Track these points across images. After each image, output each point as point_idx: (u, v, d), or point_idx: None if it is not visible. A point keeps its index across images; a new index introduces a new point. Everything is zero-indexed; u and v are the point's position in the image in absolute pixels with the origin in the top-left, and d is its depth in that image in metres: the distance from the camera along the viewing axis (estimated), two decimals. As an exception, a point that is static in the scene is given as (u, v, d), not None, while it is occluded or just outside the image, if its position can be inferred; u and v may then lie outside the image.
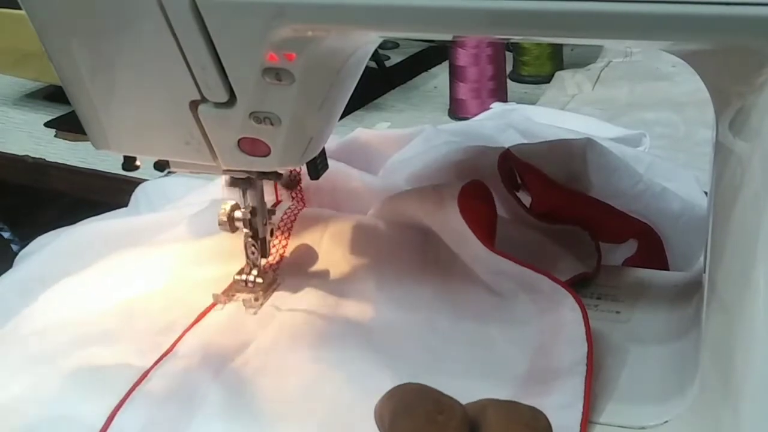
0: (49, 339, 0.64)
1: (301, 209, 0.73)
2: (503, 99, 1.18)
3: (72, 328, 0.64)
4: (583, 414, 0.55)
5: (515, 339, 0.62)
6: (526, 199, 0.72)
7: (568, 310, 0.61)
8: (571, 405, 0.55)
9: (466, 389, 0.57)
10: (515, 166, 0.72)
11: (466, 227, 0.65)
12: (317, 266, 0.71)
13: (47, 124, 1.25)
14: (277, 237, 0.72)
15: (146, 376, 0.60)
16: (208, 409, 0.57)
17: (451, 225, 0.66)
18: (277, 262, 0.72)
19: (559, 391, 0.56)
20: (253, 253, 0.68)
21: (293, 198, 0.76)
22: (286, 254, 0.72)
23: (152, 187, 0.90)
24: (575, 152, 0.73)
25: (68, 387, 0.59)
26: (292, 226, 0.73)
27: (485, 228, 0.67)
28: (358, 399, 0.56)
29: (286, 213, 0.73)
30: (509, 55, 1.27)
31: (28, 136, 1.24)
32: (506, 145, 0.74)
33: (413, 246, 0.70)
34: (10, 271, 0.77)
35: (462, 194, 0.66)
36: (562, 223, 0.71)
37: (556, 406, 0.55)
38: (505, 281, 0.66)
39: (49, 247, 0.77)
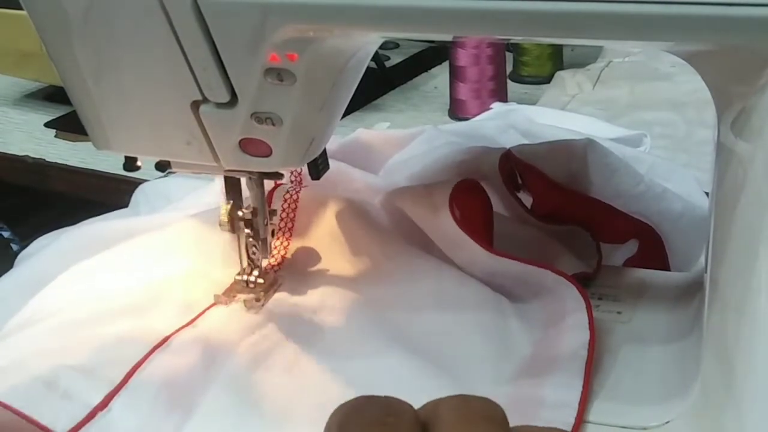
0: (68, 315, 0.65)
1: (299, 191, 0.73)
2: (503, 99, 1.18)
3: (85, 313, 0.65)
4: (582, 393, 0.56)
5: (519, 329, 0.63)
6: (527, 199, 0.72)
7: (570, 301, 0.62)
8: (571, 384, 0.57)
9: (469, 374, 0.59)
10: (516, 167, 0.72)
11: (461, 233, 0.65)
12: (319, 266, 0.72)
13: (47, 125, 1.25)
14: (278, 238, 0.73)
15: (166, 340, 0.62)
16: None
17: (446, 231, 0.67)
18: (279, 263, 0.72)
19: (561, 371, 0.58)
20: (254, 253, 0.68)
21: (292, 180, 0.76)
22: (288, 255, 0.72)
23: (152, 188, 0.90)
24: (576, 153, 0.73)
25: (91, 346, 0.61)
26: (293, 224, 0.73)
27: (481, 228, 0.67)
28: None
29: (285, 199, 0.73)
30: (509, 56, 1.27)
31: (28, 136, 1.24)
32: (507, 146, 0.74)
33: (416, 242, 0.70)
34: (10, 272, 0.77)
35: (453, 197, 0.66)
36: (563, 223, 0.71)
37: (556, 384, 0.56)
38: (506, 280, 0.66)
39: (50, 248, 0.77)
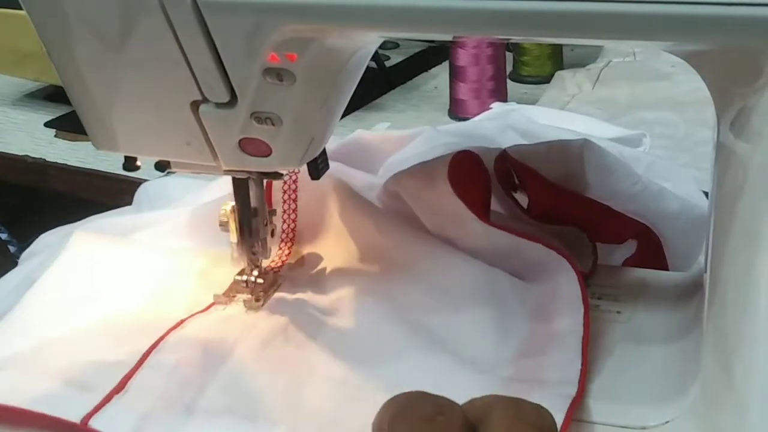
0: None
1: (297, 174, 0.73)
2: (503, 99, 1.18)
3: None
4: (581, 369, 0.57)
5: (516, 306, 0.65)
6: (524, 200, 0.72)
7: (563, 275, 0.64)
8: (571, 361, 0.58)
9: (469, 357, 0.60)
10: (512, 167, 0.72)
11: (459, 202, 0.66)
12: (319, 267, 0.72)
13: (47, 124, 1.25)
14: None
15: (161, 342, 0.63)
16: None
17: (441, 203, 0.67)
18: (279, 266, 0.72)
19: (560, 349, 0.59)
20: (254, 253, 0.68)
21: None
22: (290, 260, 0.72)
23: (154, 188, 0.90)
24: (573, 153, 0.73)
25: (104, 335, 0.63)
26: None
27: (478, 200, 0.68)
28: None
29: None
30: (509, 55, 1.27)
31: (28, 136, 1.24)
32: (505, 146, 0.74)
33: (419, 241, 0.70)
34: (16, 268, 0.77)
35: (452, 167, 0.67)
36: (560, 224, 0.71)
37: (557, 362, 0.58)
38: (499, 255, 0.67)
39: (55, 246, 0.77)
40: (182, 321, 0.65)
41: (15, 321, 0.65)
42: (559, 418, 0.53)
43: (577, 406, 0.55)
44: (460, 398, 0.49)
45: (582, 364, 0.58)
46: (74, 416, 0.56)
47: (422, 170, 0.69)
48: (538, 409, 0.45)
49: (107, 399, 0.57)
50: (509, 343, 0.62)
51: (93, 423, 0.56)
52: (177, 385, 0.59)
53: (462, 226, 0.67)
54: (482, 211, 0.68)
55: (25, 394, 0.57)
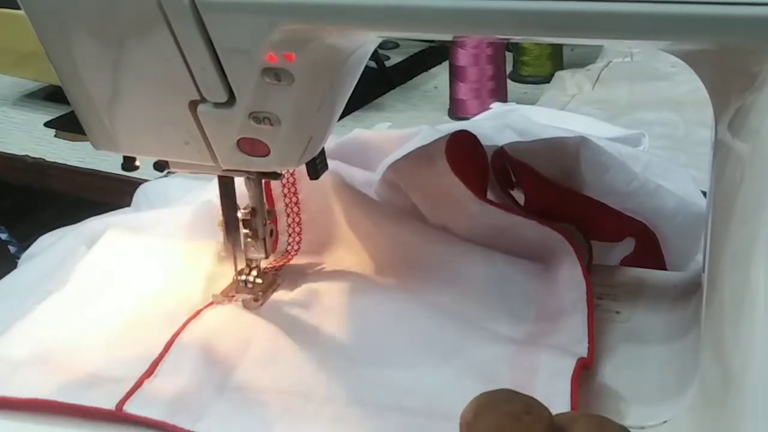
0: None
1: (296, 174, 0.73)
2: (503, 99, 1.18)
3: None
4: (589, 348, 0.59)
5: (518, 288, 0.66)
6: (521, 197, 0.72)
7: (562, 254, 0.65)
8: (580, 341, 0.60)
9: (474, 343, 0.61)
10: (509, 164, 0.73)
11: (456, 180, 0.67)
12: (318, 267, 0.72)
13: (47, 124, 1.26)
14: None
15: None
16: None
17: (439, 182, 0.68)
18: (280, 266, 0.72)
19: (567, 330, 0.61)
20: (252, 254, 0.68)
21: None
22: (292, 262, 0.73)
23: (152, 188, 0.90)
24: (569, 150, 0.73)
25: (128, 329, 0.64)
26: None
27: (475, 178, 0.69)
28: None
29: (284, 177, 0.72)
30: (509, 55, 1.28)
31: (28, 136, 1.24)
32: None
33: (420, 236, 0.70)
34: (17, 270, 0.77)
35: (449, 146, 0.68)
36: (556, 221, 0.71)
37: (567, 343, 0.60)
38: (498, 235, 0.68)
39: (57, 246, 0.77)
40: (199, 311, 0.66)
41: (36, 320, 0.66)
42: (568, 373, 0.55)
43: (585, 367, 0.57)
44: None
45: (590, 342, 0.59)
46: (108, 404, 0.57)
47: (420, 152, 0.70)
48: (623, 430, 0.46)
49: (138, 384, 0.58)
50: (515, 325, 0.63)
51: (127, 408, 0.57)
52: (205, 366, 0.60)
53: (459, 205, 0.68)
54: (479, 189, 0.68)
55: (57, 389, 0.58)
